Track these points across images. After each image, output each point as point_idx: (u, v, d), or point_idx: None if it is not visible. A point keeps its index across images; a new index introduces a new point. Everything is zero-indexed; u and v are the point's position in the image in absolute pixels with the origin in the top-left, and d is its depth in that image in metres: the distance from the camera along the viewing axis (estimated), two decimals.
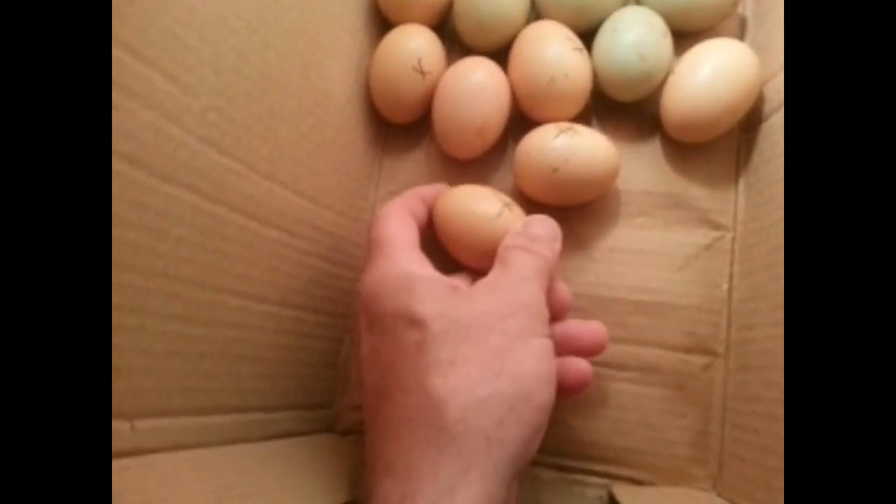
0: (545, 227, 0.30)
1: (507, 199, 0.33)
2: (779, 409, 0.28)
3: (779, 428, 0.27)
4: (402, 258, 0.27)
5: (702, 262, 0.35)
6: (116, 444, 0.21)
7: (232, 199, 0.27)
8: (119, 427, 0.21)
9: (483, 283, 0.27)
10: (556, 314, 0.29)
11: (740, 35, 0.38)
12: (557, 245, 0.30)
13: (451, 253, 0.34)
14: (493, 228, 0.31)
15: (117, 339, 0.21)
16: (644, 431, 0.34)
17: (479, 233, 0.32)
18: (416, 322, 0.24)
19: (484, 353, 0.23)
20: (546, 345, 0.25)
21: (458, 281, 0.29)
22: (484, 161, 0.38)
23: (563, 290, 0.31)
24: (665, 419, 0.34)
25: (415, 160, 0.40)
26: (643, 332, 0.35)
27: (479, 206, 0.32)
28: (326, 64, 0.34)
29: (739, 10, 0.38)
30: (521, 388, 0.22)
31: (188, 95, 0.24)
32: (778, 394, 0.28)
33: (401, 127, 0.40)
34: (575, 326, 0.31)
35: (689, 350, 0.34)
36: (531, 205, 0.37)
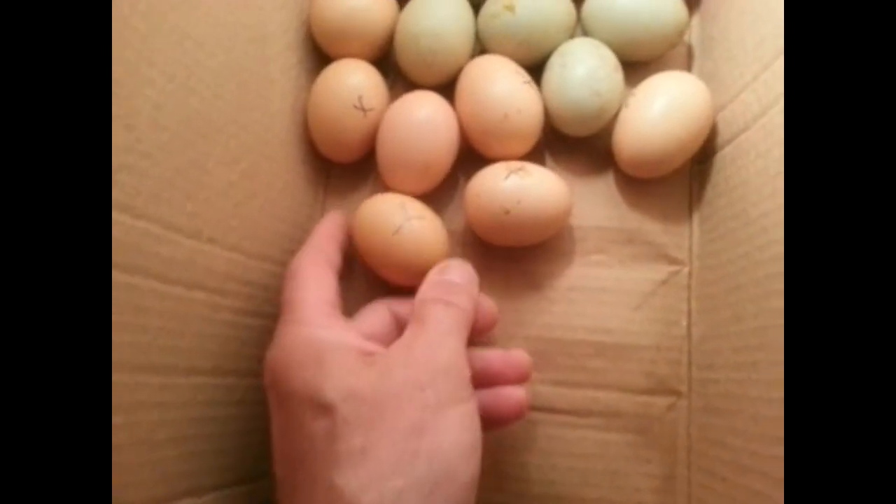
0: (461, 273, 0.28)
1: (416, 211, 0.32)
2: (746, 460, 0.26)
3: (746, 480, 0.26)
4: (311, 321, 0.25)
5: (659, 298, 0.34)
6: None
7: (149, 266, 0.24)
8: None
9: (399, 344, 0.25)
10: (482, 329, 0.30)
11: (687, 64, 0.38)
12: (475, 290, 0.28)
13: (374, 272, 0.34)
14: (398, 243, 0.31)
15: None
16: (611, 480, 0.33)
17: (384, 249, 0.32)
18: (324, 407, 0.22)
19: (398, 433, 0.21)
20: (468, 410, 0.23)
21: (379, 329, 0.29)
22: (433, 198, 0.36)
23: (488, 305, 0.31)
24: (630, 466, 0.33)
25: (360, 199, 0.37)
26: (604, 375, 0.33)
27: (381, 221, 0.32)
28: (258, 106, 0.31)
29: (685, 38, 0.38)
30: (441, 467, 0.21)
31: None
32: (744, 443, 0.27)
33: (344, 165, 0.37)
34: (497, 361, 0.30)
35: (650, 392, 0.33)
36: (483, 245, 0.35)
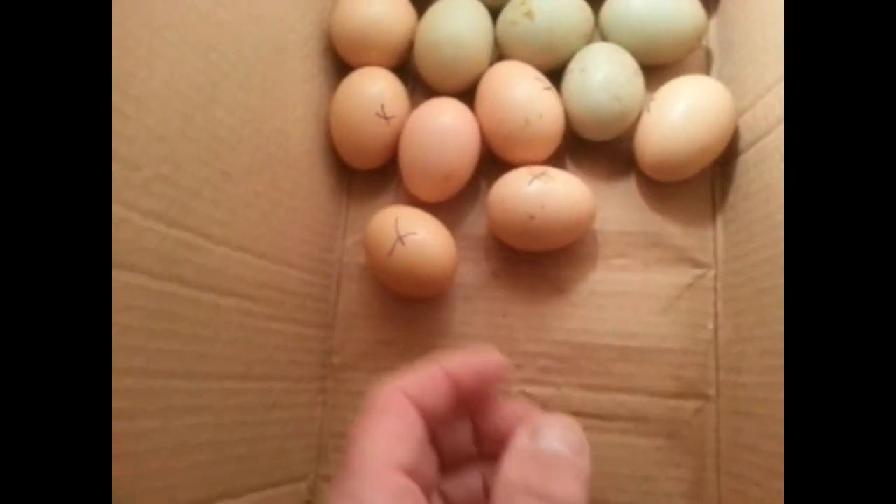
0: (563, 436, 0.18)
1: (410, 226, 0.32)
2: (779, 465, 0.26)
3: (780, 485, 0.26)
4: (366, 490, 0.17)
5: (685, 302, 0.34)
6: None
7: (183, 274, 0.24)
8: None
9: None
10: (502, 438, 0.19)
11: (706, 67, 0.38)
12: (586, 463, 0.17)
13: None
14: (394, 263, 0.32)
15: None
16: (639, 485, 0.32)
17: (383, 268, 0.33)
18: None
19: None
20: None
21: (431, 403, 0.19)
22: (455, 204, 0.36)
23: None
24: (659, 470, 0.32)
25: (383, 205, 0.38)
26: (630, 379, 0.33)
27: (376, 242, 0.33)
28: (281, 115, 0.32)
29: (704, 42, 0.38)
30: None
31: (128, 169, 0.22)
32: (777, 447, 0.27)
33: (367, 171, 0.38)
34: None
35: (678, 395, 0.33)
36: (506, 250, 0.35)
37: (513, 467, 0.17)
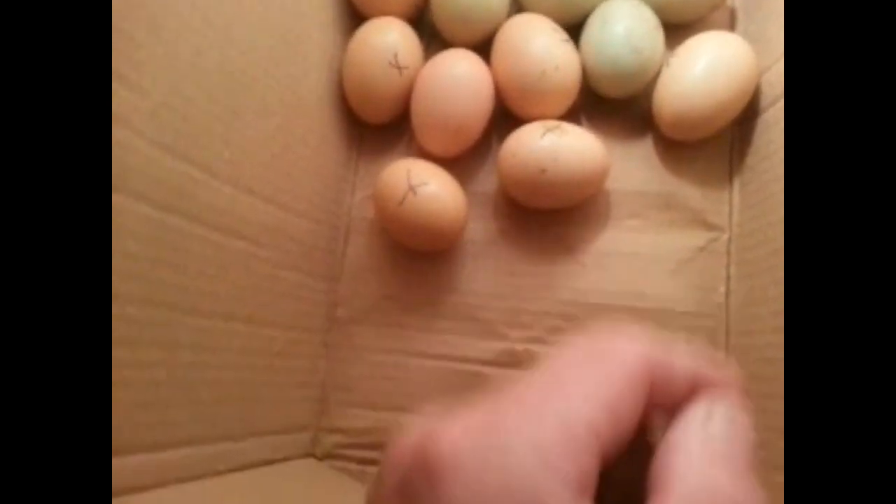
0: (740, 429, 0.14)
1: (422, 178, 0.32)
2: (781, 423, 0.26)
3: (781, 443, 0.25)
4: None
5: (697, 264, 0.34)
6: None
7: (190, 209, 0.24)
8: None
9: None
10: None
11: (730, 26, 0.37)
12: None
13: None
14: (405, 213, 0.32)
15: None
16: None
17: (393, 218, 0.32)
18: None
19: None
20: None
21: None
22: (466, 159, 0.36)
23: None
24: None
25: (393, 160, 0.37)
26: None
27: (388, 191, 0.32)
28: (294, 60, 0.31)
29: (728, 1, 0.36)
30: None
31: (135, 94, 0.21)
32: (780, 406, 0.26)
33: (377, 126, 0.37)
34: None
35: None
36: (516, 208, 0.35)
37: (703, 467, 0.13)
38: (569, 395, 0.13)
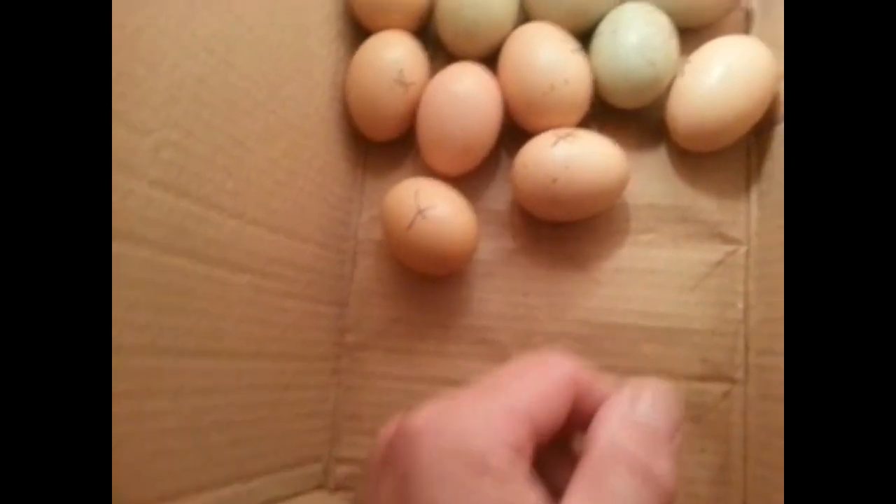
0: (663, 409, 0.17)
1: (430, 200, 0.31)
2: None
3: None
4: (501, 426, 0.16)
5: (714, 280, 0.33)
6: None
7: (194, 247, 0.23)
8: None
9: None
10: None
11: (746, 29, 0.35)
12: (679, 440, 0.17)
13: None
14: (414, 238, 0.30)
15: None
16: None
17: (401, 242, 0.31)
18: None
19: None
20: None
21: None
22: (475, 176, 0.35)
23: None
24: (684, 455, 0.31)
25: (400, 179, 0.36)
26: (656, 361, 0.32)
27: (396, 214, 0.31)
28: (297, 81, 0.30)
29: (744, 2, 0.35)
30: None
31: (136, 134, 0.20)
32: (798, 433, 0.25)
33: (383, 144, 0.36)
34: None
35: (704, 378, 0.32)
36: (529, 224, 0.34)
37: (614, 428, 0.16)
38: (512, 389, 0.17)
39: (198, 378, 0.24)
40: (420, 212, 0.30)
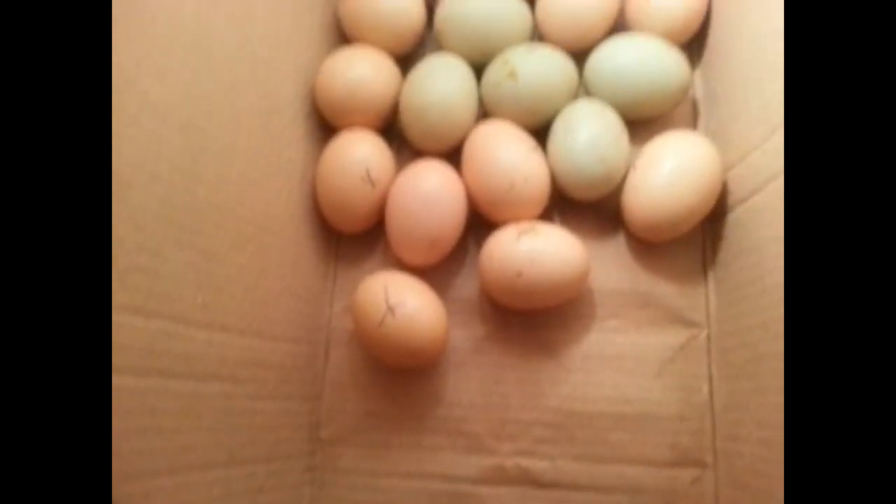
0: None
1: (400, 296, 0.31)
2: None
3: None
4: None
5: (678, 364, 0.34)
6: None
7: (162, 366, 0.23)
8: None
9: None
10: None
11: (693, 120, 0.38)
12: None
13: None
14: (385, 335, 0.31)
15: None
16: None
17: (373, 339, 0.32)
18: None
19: None
20: None
21: None
22: (444, 267, 0.36)
23: None
24: None
25: (372, 269, 0.37)
26: (626, 448, 0.33)
27: (365, 312, 0.32)
28: (266, 183, 0.31)
29: (689, 94, 0.38)
30: None
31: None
32: None
33: (354, 235, 0.37)
34: None
35: (674, 464, 0.32)
36: (498, 312, 0.35)
37: None
38: None
39: (169, 497, 0.23)
40: (390, 309, 0.31)
